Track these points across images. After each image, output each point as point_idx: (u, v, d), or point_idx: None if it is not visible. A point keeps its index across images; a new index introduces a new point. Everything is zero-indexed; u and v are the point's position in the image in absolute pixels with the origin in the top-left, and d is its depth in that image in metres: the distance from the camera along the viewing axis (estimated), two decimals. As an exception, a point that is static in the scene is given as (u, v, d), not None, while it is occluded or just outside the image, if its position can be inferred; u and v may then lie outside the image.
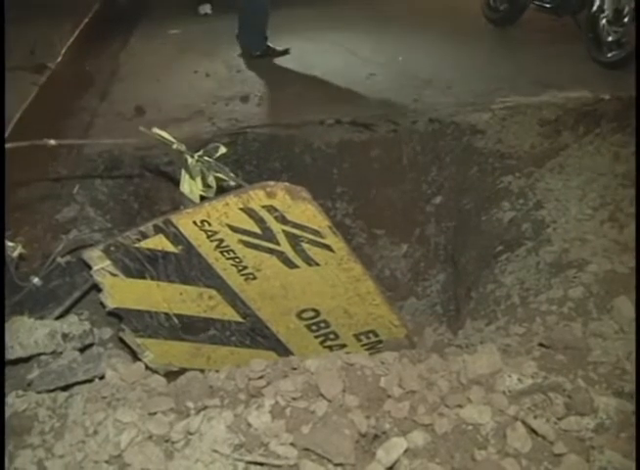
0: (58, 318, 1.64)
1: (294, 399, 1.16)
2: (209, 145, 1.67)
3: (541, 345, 1.41)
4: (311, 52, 4.13)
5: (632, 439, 1.07)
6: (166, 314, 1.71)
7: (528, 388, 1.19)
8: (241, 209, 1.48)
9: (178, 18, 5.16)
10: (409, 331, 1.80)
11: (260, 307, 1.72)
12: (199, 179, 1.60)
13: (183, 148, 1.60)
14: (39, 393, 1.34)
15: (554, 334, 1.44)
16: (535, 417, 1.11)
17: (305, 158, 2.88)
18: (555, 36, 4.12)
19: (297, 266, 1.60)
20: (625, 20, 3.28)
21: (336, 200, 2.94)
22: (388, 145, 2.88)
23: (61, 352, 1.54)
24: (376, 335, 1.78)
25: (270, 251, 1.58)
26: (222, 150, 1.65)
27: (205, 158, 1.60)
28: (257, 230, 1.53)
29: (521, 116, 2.87)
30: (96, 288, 1.68)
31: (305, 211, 1.48)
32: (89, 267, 1.62)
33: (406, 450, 1.05)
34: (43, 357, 1.53)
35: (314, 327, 1.77)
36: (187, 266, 1.62)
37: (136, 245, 1.58)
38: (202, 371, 1.33)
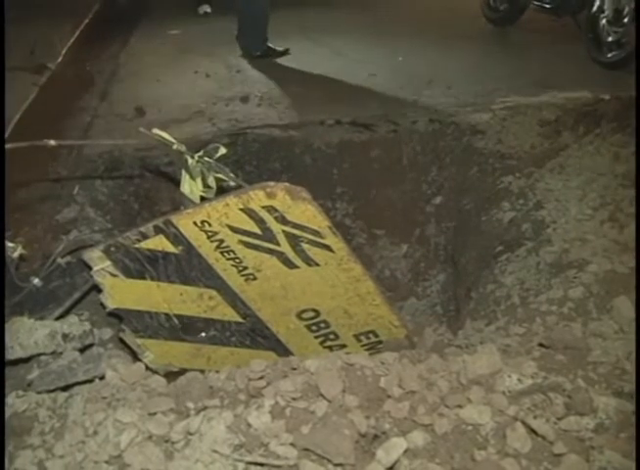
0: (58, 319, 1.63)
1: (293, 399, 1.16)
2: (210, 145, 1.67)
3: (541, 345, 1.41)
4: (311, 52, 4.13)
5: (632, 439, 1.07)
6: (167, 315, 1.71)
7: (528, 388, 1.19)
8: (241, 209, 1.49)
9: (178, 18, 5.17)
10: (409, 331, 1.80)
11: (260, 308, 1.72)
12: (199, 180, 1.60)
13: (183, 148, 1.60)
14: (39, 393, 1.33)
15: (554, 334, 1.44)
16: (535, 417, 1.11)
17: (305, 158, 2.88)
18: (555, 37, 4.13)
19: (296, 267, 1.60)
20: (625, 20, 3.29)
21: (336, 200, 2.93)
22: (388, 145, 2.88)
23: (61, 353, 1.54)
24: (376, 335, 1.78)
25: (270, 251, 1.58)
26: (222, 150, 1.65)
27: (206, 158, 1.61)
28: (257, 231, 1.53)
29: (521, 116, 2.87)
30: (96, 288, 1.68)
31: (305, 212, 1.48)
32: (89, 268, 1.62)
33: (406, 451, 1.05)
34: (43, 358, 1.52)
35: (314, 327, 1.77)
36: (187, 267, 1.62)
37: (136, 245, 1.58)
38: (202, 372, 1.33)
